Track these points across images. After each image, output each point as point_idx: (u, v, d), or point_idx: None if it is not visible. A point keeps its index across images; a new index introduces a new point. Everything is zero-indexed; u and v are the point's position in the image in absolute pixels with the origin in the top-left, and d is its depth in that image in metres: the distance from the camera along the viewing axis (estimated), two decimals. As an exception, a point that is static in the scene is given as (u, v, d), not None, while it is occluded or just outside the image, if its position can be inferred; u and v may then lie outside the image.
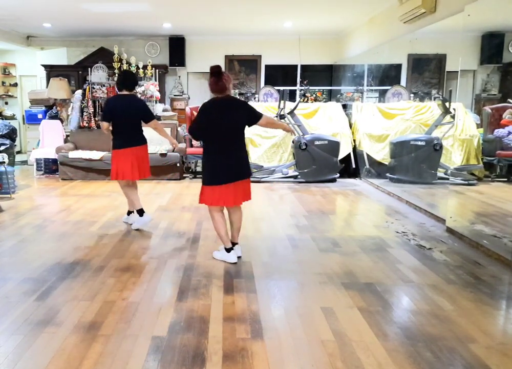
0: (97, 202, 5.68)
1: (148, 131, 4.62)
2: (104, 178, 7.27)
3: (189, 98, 9.91)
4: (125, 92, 4.49)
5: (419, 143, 6.36)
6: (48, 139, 7.98)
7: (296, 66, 9.75)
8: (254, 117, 3.52)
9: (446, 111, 6.19)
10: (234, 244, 3.67)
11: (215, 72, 3.37)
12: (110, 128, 4.47)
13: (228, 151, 3.45)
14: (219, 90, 3.40)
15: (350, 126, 7.86)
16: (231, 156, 3.46)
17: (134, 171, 4.41)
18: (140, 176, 4.49)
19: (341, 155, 7.42)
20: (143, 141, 4.53)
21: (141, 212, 4.50)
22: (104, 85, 7.87)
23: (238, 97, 3.46)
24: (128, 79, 4.54)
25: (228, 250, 3.58)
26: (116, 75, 7.91)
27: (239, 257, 3.62)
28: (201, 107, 3.53)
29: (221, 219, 3.60)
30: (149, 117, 4.52)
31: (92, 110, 7.84)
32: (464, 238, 4.21)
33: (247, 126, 3.57)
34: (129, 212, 4.76)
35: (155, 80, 8.06)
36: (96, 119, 7.91)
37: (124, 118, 4.39)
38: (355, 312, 2.70)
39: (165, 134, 4.74)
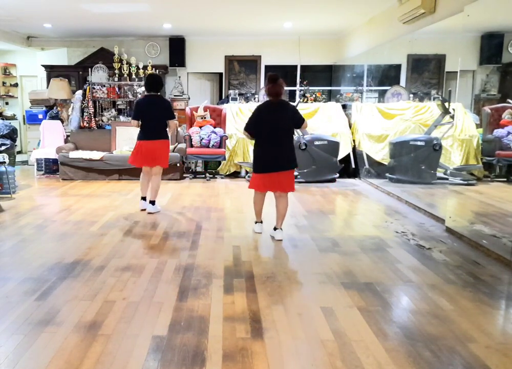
0: (97, 202, 5.69)
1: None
2: (105, 178, 7.29)
3: (189, 98, 9.90)
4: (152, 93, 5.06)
5: (419, 143, 6.37)
6: (48, 139, 7.99)
7: (295, 66, 9.75)
8: (298, 120, 4.12)
9: (446, 111, 6.19)
10: (276, 229, 4.22)
11: (272, 78, 3.96)
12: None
13: (274, 146, 4.03)
14: (274, 95, 4.00)
15: (350, 126, 7.87)
16: (276, 149, 4.04)
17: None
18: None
19: (341, 155, 7.43)
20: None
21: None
22: (104, 86, 7.89)
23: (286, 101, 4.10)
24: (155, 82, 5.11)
25: (256, 222, 4.41)
26: (117, 75, 7.95)
27: (279, 240, 4.15)
28: (257, 107, 4.19)
29: (259, 200, 4.28)
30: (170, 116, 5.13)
31: (93, 110, 7.86)
32: (464, 237, 4.22)
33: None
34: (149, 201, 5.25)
35: (155, 80, 8.07)
36: (96, 119, 7.93)
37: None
38: (354, 312, 2.71)
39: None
